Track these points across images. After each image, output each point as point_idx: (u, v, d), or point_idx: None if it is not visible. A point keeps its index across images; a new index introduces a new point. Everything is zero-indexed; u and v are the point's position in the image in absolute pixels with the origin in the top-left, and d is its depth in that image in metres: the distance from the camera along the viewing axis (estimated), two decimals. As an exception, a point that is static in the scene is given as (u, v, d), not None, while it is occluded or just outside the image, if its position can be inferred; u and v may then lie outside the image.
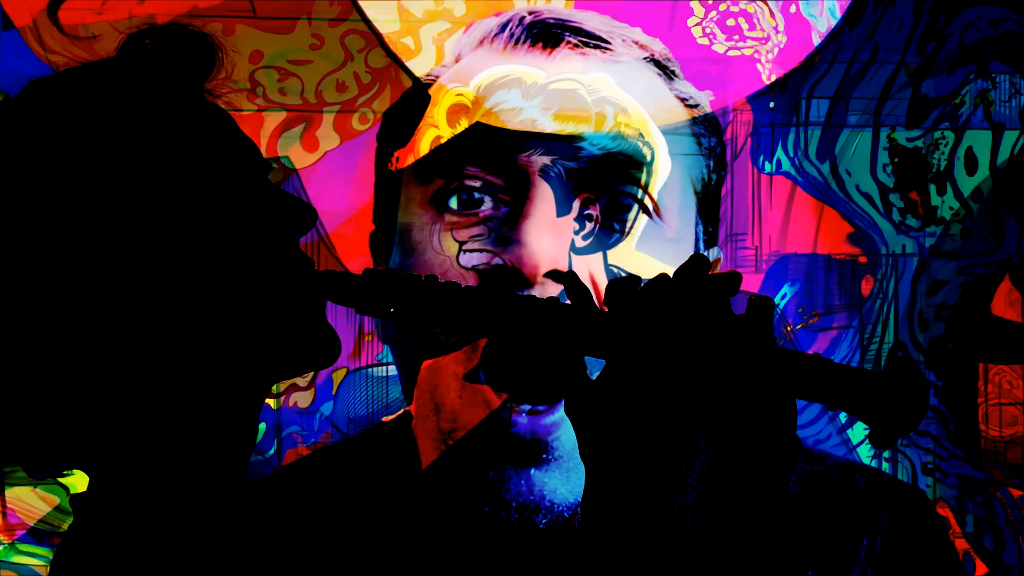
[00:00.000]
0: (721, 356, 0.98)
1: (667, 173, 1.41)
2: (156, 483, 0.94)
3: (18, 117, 0.93)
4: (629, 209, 1.46)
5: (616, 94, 1.41)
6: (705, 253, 1.54)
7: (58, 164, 0.90)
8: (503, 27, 1.56)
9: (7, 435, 0.93)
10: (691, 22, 1.53)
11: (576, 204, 1.40)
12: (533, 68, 1.42)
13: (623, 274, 1.29)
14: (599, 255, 1.39)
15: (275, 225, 0.98)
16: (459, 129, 1.42)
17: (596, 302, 1.07)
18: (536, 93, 1.42)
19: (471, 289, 1.03)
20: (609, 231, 1.39)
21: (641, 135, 1.40)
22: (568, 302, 1.05)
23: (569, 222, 1.39)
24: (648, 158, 1.40)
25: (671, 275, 1.02)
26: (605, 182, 1.39)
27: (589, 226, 1.40)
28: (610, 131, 1.39)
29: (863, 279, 1.67)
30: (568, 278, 1.07)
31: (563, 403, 1.08)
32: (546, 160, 1.38)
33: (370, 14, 1.57)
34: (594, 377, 1.04)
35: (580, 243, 1.37)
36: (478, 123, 1.43)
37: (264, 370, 0.99)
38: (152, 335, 0.91)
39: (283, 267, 0.98)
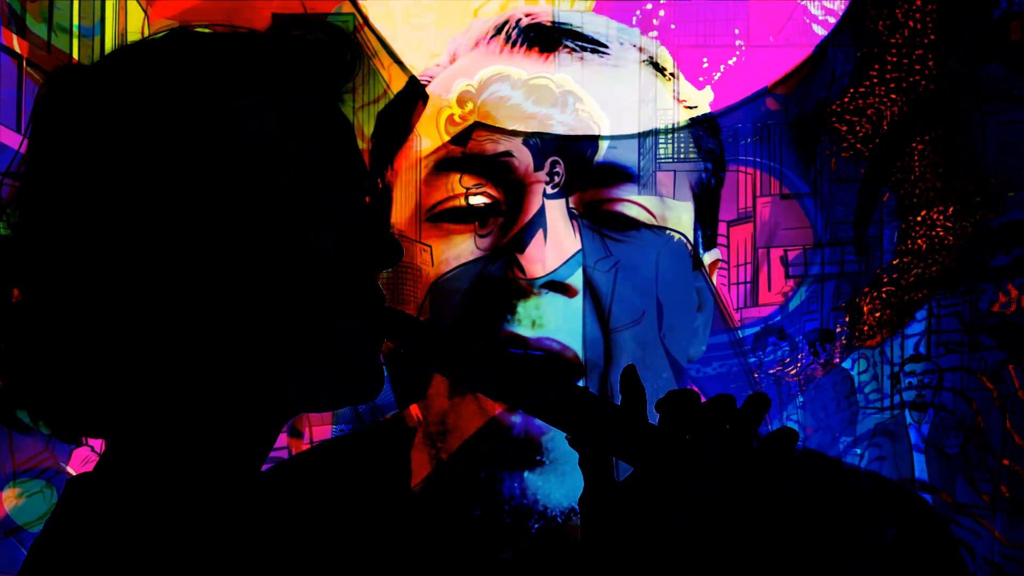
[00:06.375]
0: (741, 500, 0.97)
1: (613, 146, 1.63)
2: (168, 470, 0.93)
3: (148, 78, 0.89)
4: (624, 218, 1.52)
5: (575, 88, 1.60)
6: (704, 255, 1.53)
7: (147, 140, 0.88)
8: (499, 29, 1.55)
9: (36, 392, 0.91)
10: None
11: (547, 163, 1.53)
12: (517, 68, 1.61)
13: (577, 212, 1.55)
14: (562, 201, 1.55)
15: (361, 256, 0.95)
16: (467, 110, 1.56)
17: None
18: (520, 86, 1.57)
19: (530, 365, 1.01)
20: (571, 186, 1.60)
21: (590, 115, 1.58)
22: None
23: (543, 175, 1.54)
24: (596, 131, 1.59)
25: (732, 403, 1.00)
26: (568, 149, 1.57)
27: (556, 179, 1.56)
28: (569, 113, 1.59)
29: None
30: (625, 375, 1.04)
31: (579, 497, 1.05)
32: (529, 135, 1.57)
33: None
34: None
35: (550, 191, 1.56)
36: (465, 132, 1.55)
37: (307, 396, 0.96)
38: (202, 331, 0.90)
39: (357, 300, 0.95)
